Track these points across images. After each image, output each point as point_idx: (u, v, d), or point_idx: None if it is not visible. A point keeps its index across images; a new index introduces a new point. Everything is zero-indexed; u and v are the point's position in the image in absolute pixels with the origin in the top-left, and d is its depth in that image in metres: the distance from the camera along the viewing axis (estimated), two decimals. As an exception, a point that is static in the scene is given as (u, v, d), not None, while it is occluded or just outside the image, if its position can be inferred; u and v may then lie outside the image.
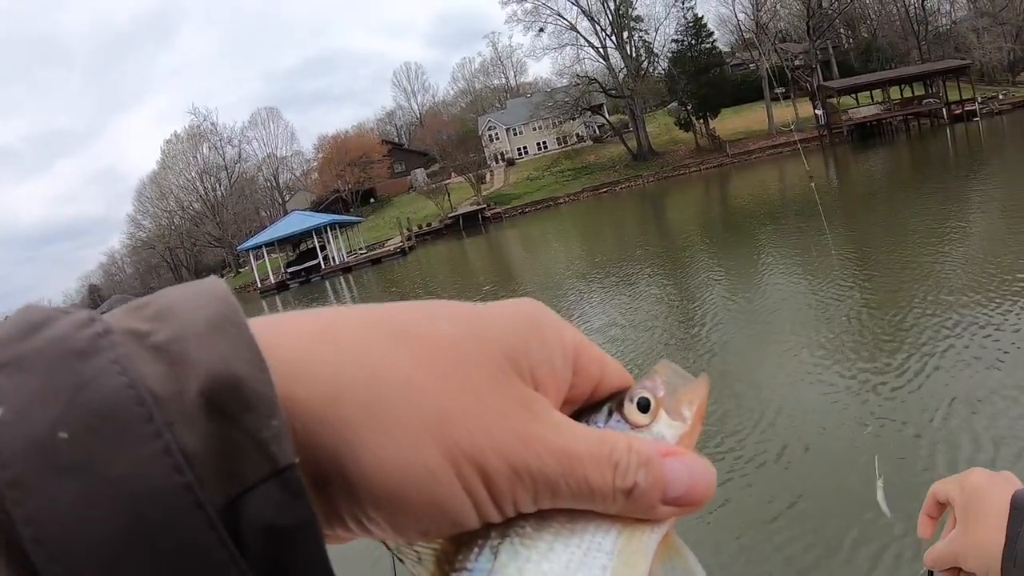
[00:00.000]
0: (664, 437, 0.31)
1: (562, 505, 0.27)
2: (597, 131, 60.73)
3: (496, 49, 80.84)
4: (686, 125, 53.38)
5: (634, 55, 57.43)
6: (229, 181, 67.76)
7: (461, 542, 0.27)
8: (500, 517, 0.27)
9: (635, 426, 0.31)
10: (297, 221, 48.84)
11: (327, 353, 0.24)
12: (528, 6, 59.20)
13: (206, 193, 66.44)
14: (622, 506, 0.28)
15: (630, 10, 57.99)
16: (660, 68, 59.28)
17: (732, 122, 52.91)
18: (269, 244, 48.05)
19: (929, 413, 4.80)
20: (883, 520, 3.34)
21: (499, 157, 64.69)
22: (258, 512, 0.21)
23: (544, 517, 0.28)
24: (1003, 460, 3.99)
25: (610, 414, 0.31)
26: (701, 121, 53.30)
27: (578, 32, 58.32)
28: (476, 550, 0.27)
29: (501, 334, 0.28)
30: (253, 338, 0.22)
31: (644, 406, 0.31)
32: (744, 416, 5.46)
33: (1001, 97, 57.87)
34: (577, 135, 62.16)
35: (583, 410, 0.32)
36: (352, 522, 0.25)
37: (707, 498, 0.29)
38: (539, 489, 0.27)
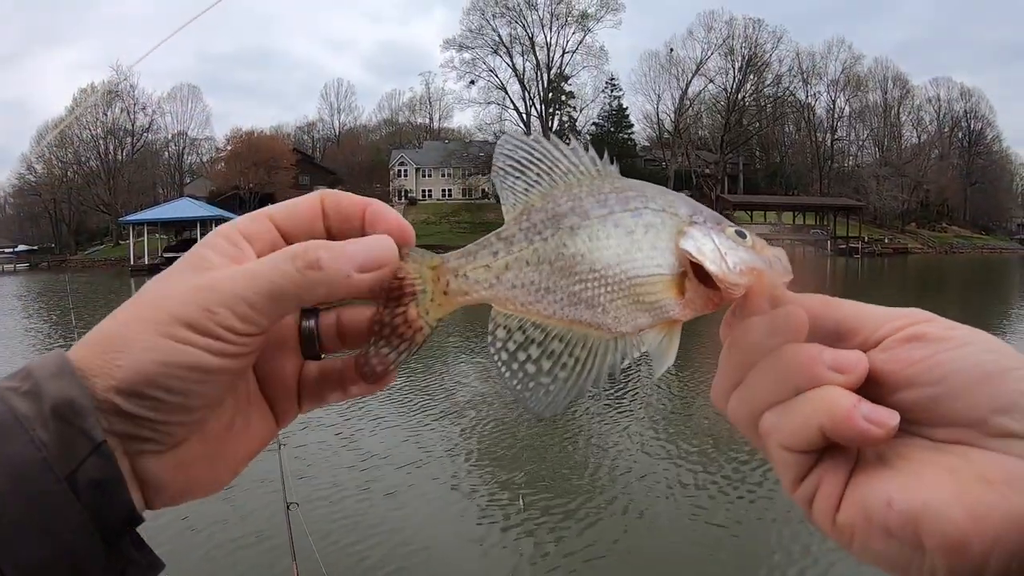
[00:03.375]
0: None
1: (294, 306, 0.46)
2: (503, 191, 62.03)
3: (428, 89, 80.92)
4: (588, 205, 55.45)
5: (554, 128, 59.62)
6: (132, 148, 65.54)
7: None
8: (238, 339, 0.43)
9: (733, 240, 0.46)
10: (185, 207, 48.02)
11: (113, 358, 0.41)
12: (467, 56, 60.92)
13: (106, 154, 63.91)
14: (322, 278, 0.44)
15: (564, 85, 60.47)
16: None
17: (631, 212, 55.34)
18: (153, 223, 46.98)
19: None
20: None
21: (403, 194, 65.11)
22: (87, 473, 0.38)
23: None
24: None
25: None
26: (603, 204, 55.61)
27: (507, 93, 60.45)
28: None
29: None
30: (77, 377, 0.40)
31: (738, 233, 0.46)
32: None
33: (886, 241, 62.56)
34: (483, 191, 62.71)
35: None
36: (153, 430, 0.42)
37: (382, 261, 0.46)
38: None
